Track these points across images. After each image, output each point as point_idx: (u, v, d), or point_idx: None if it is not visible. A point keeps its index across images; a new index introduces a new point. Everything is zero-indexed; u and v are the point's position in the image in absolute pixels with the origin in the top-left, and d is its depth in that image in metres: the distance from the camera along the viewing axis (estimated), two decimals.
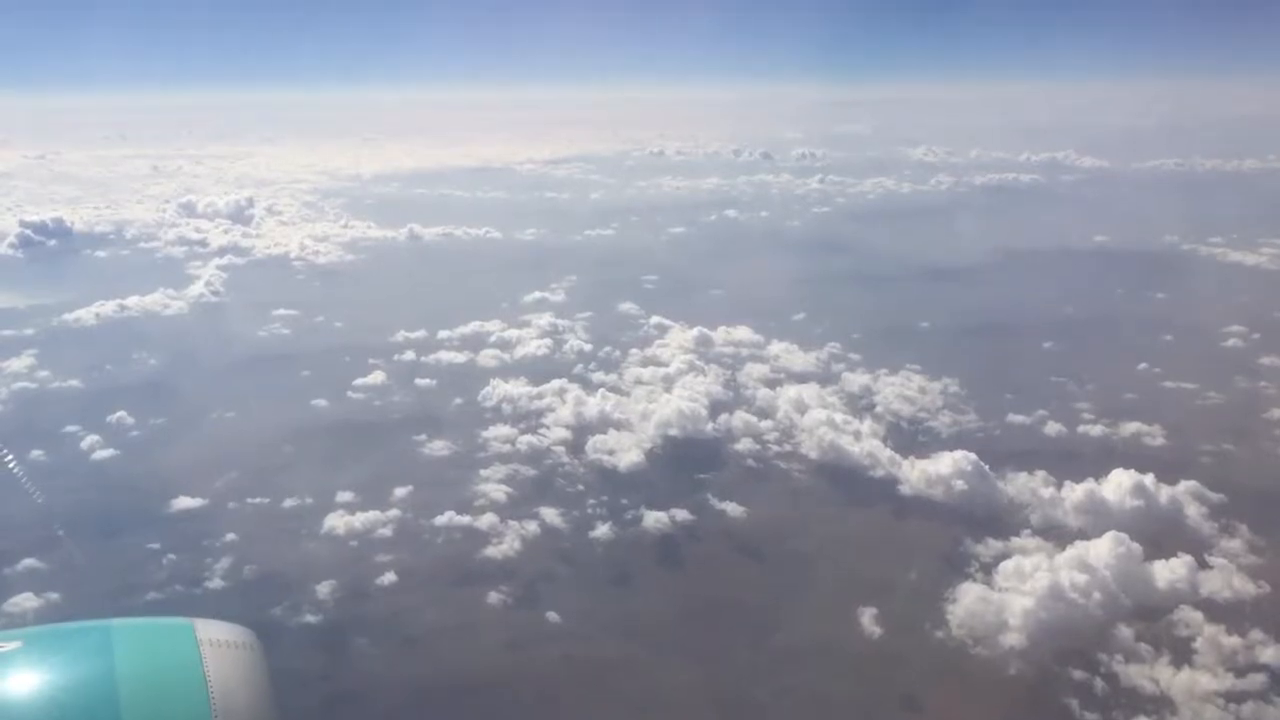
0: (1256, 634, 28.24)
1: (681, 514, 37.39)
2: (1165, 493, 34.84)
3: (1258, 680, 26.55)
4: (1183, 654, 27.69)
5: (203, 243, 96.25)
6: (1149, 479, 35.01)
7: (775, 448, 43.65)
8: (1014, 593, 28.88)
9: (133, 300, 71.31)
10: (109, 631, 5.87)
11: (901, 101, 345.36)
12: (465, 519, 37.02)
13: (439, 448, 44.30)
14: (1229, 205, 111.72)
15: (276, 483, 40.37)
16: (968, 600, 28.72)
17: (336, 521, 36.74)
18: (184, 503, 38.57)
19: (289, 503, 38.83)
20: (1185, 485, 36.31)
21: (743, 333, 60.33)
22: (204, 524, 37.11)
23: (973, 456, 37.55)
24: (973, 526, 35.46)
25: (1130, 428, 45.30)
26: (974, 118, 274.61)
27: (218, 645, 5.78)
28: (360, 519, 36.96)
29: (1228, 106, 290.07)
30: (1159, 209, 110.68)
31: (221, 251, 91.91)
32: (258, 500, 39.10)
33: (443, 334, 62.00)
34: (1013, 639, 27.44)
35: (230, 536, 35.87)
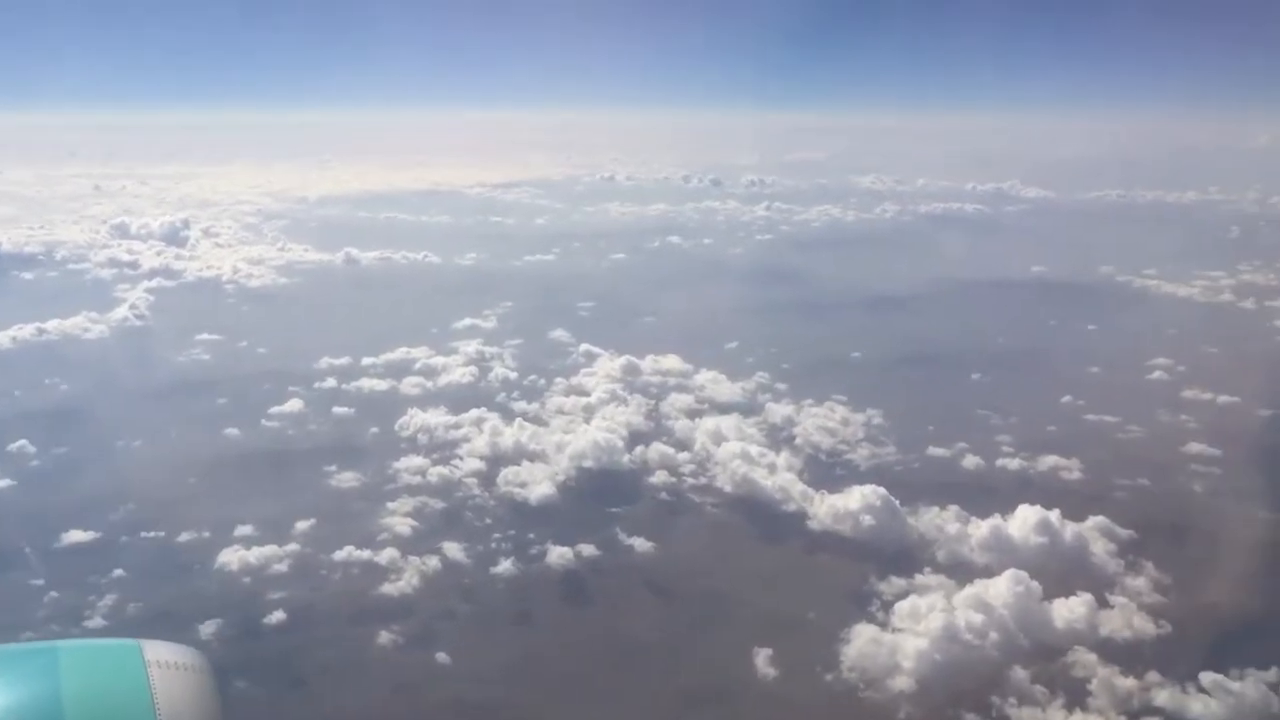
0: (1153, 675, 27.92)
1: (589, 549, 36.65)
2: (1071, 529, 34.54)
3: None
4: (1077, 696, 27.29)
5: (134, 265, 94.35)
6: (1054, 515, 34.74)
7: (690, 480, 43.03)
8: (909, 633, 28.37)
9: (53, 324, 69.44)
10: (55, 653, 5.82)
11: (858, 130, 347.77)
12: (365, 554, 36.03)
13: (348, 479, 43.23)
14: (1166, 237, 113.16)
15: (175, 515, 39.07)
16: (860, 642, 28.17)
17: (230, 557, 35.60)
18: (75, 536, 37.24)
19: (185, 536, 37.59)
20: (1093, 521, 36.10)
21: (671, 361, 59.70)
22: (93, 559, 35.83)
23: (882, 491, 37.13)
24: (881, 563, 34.98)
25: (1048, 461, 45.12)
26: (928, 147, 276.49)
27: (165, 666, 5.69)
28: (256, 554, 35.83)
29: (1174, 138, 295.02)
30: (1098, 240, 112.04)
31: (152, 274, 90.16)
32: (153, 534, 37.83)
33: (367, 361, 60.91)
34: (903, 682, 26.90)
35: (118, 572, 34.63)
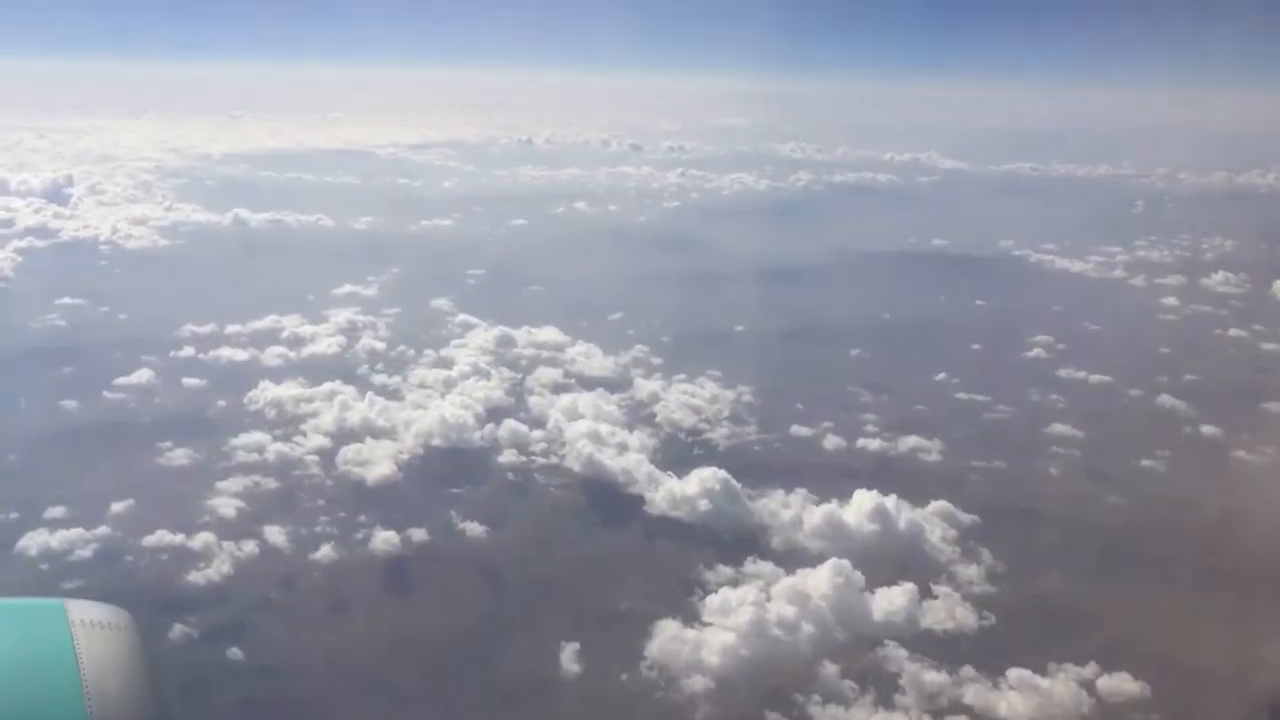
0: (968, 670, 27.24)
1: (419, 534, 35.17)
2: (907, 515, 33.78)
3: None
4: (887, 693, 26.54)
5: (9, 223, 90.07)
6: (891, 501, 33.95)
7: (540, 460, 41.66)
8: (717, 628, 27.35)
9: None
10: None
11: (788, 96, 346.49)
12: (179, 538, 34.08)
13: (179, 457, 41.13)
14: (1071, 211, 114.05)
15: None
16: (662, 639, 27.08)
17: (32, 540, 33.50)
18: None
19: None
20: (935, 506, 35.43)
21: (548, 333, 58.18)
22: None
23: (722, 474, 36.03)
24: (716, 551, 33.98)
25: (909, 442, 44.42)
26: (855, 115, 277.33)
27: (90, 626, 5.53)
28: (61, 537, 33.76)
29: (1095, 113, 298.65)
30: (1003, 213, 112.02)
31: (25, 233, 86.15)
32: None
33: (232, 329, 58.53)
34: (704, 680, 25.87)
35: None
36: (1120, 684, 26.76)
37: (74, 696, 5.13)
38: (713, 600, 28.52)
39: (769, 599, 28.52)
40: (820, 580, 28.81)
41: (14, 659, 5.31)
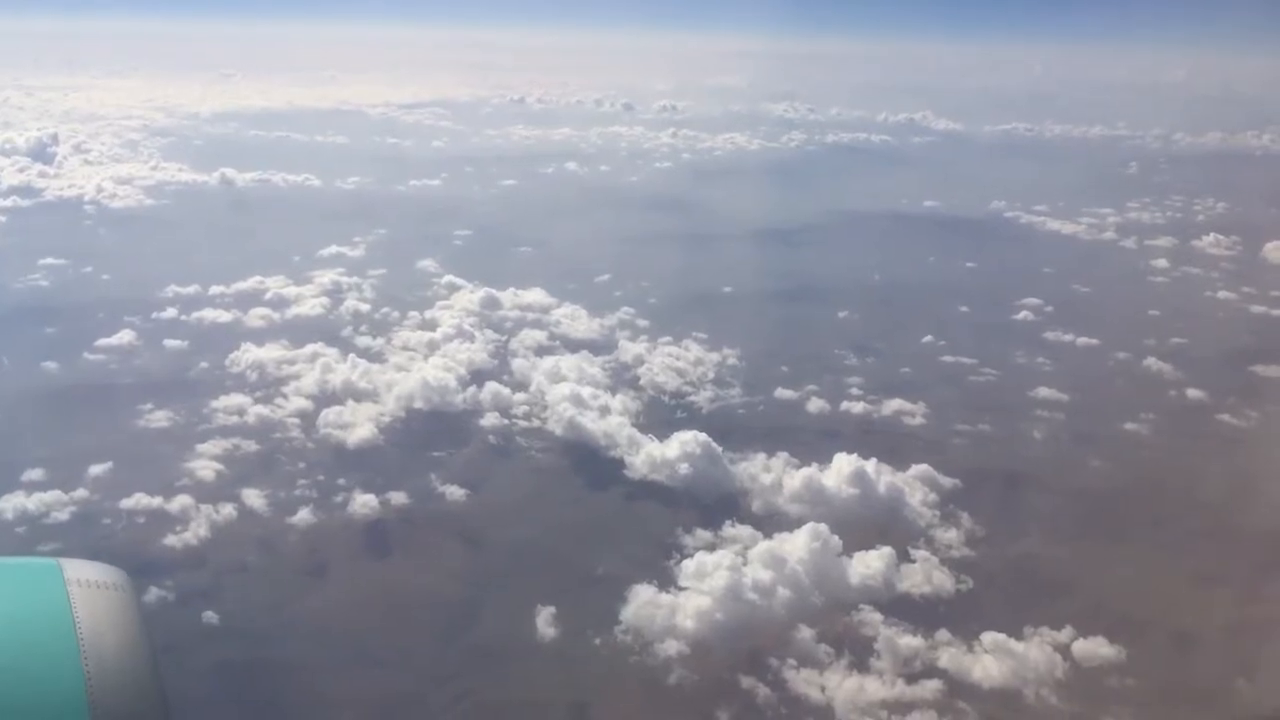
0: (943, 634, 27.23)
1: (399, 497, 35.02)
2: (887, 479, 33.67)
3: (931, 687, 25.50)
4: (863, 657, 26.52)
5: None
6: (871, 464, 33.82)
7: (522, 423, 41.50)
8: (693, 592, 27.27)
9: None
10: None
11: (785, 55, 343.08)
12: (156, 501, 33.92)
13: (159, 419, 40.89)
14: (1064, 172, 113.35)
15: None
16: (637, 603, 27.00)
17: (8, 503, 33.30)
18: None
19: None
20: (916, 470, 35.35)
21: (534, 295, 57.83)
22: None
23: (703, 438, 35.85)
24: (696, 514, 33.87)
25: (893, 405, 44.27)
26: (850, 74, 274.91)
27: (86, 585, 5.35)
28: (38, 500, 33.58)
29: (1091, 72, 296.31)
30: (996, 175, 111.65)
31: (9, 193, 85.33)
32: None
33: (215, 290, 58.11)
34: (678, 644, 25.82)
35: None
36: (1096, 648, 26.75)
37: (71, 657, 4.99)
38: (688, 565, 28.37)
39: (745, 563, 28.43)
40: (797, 544, 28.72)
41: (10, 619, 5.16)
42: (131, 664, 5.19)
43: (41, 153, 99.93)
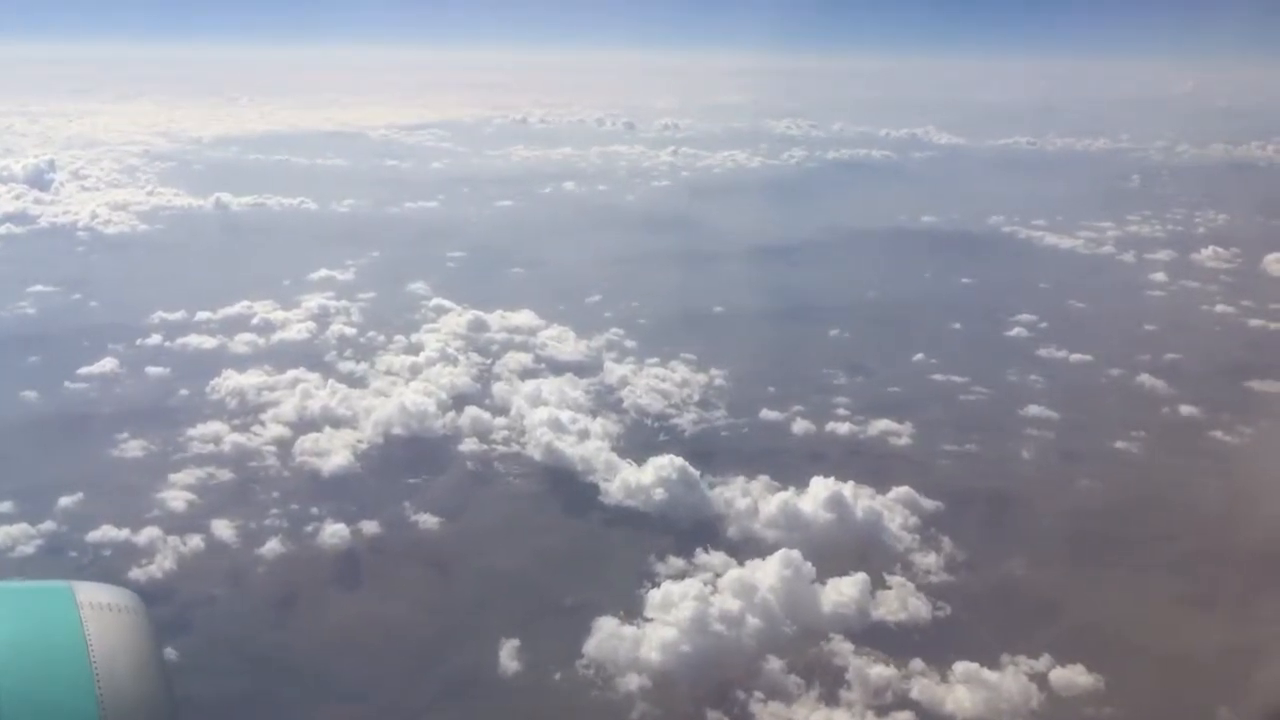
0: (917, 663, 26.50)
1: (371, 526, 34.44)
2: (865, 503, 33.01)
3: (901, 719, 24.81)
4: (833, 688, 25.82)
5: None
6: (848, 488, 33.17)
7: (501, 449, 40.91)
8: (659, 623, 26.61)
9: None
10: None
11: (786, 72, 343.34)
12: (124, 533, 33.43)
13: (134, 448, 40.44)
14: (1065, 186, 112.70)
15: None
16: (600, 635, 26.34)
17: None
18: None
19: None
20: (896, 492, 34.62)
21: (523, 317, 57.34)
22: None
23: (680, 462, 35.18)
24: (675, 540, 33.22)
25: (879, 425, 43.57)
26: (852, 90, 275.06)
27: (99, 608, 5.48)
28: (4, 533, 32.99)
29: (1096, 85, 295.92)
30: (996, 189, 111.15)
31: (3, 220, 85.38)
32: None
33: (202, 315, 57.66)
34: (640, 679, 25.15)
35: None
36: (1074, 676, 25.99)
37: (84, 679, 5.06)
38: (654, 595, 27.71)
39: (714, 592, 27.76)
40: (768, 572, 28.03)
41: (23, 642, 5.23)
42: (144, 687, 5.29)
43: (39, 179, 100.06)
